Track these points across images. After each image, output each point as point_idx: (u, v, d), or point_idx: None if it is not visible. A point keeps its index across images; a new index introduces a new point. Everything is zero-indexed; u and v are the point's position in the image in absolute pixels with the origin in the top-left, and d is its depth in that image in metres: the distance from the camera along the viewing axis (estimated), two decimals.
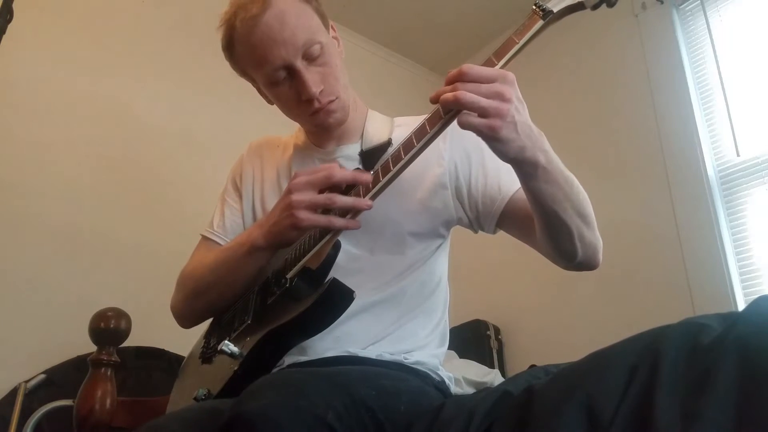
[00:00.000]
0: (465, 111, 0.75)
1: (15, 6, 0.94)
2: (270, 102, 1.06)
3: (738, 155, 2.12)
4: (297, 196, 0.86)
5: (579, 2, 0.81)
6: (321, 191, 0.88)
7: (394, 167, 0.84)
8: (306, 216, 0.85)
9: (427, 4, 2.88)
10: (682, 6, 2.39)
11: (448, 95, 0.74)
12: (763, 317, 0.47)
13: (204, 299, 1.04)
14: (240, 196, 1.14)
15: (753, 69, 2.14)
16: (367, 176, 0.87)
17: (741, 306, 1.99)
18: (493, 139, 0.75)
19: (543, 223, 0.88)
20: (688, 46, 2.36)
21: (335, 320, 0.85)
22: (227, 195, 1.15)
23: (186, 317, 1.08)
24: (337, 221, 0.86)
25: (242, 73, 1.03)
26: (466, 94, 0.72)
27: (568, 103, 2.68)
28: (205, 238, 1.12)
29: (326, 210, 0.87)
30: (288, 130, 1.20)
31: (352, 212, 0.87)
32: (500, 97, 0.73)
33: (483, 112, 0.73)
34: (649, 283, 2.21)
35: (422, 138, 0.82)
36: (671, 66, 2.35)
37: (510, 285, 2.69)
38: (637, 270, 2.24)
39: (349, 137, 1.07)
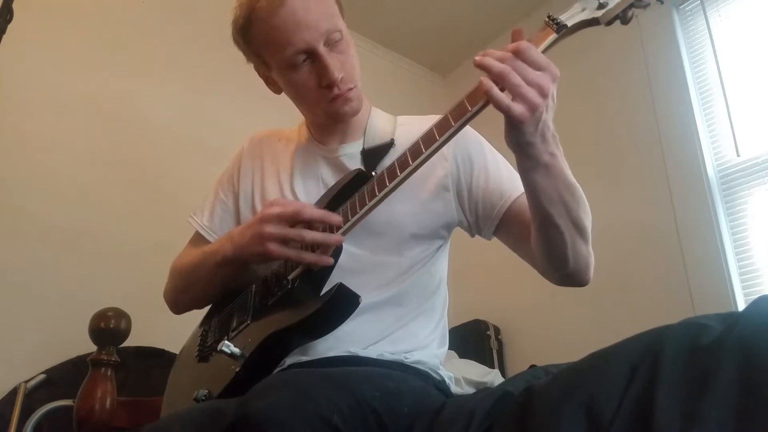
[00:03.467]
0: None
1: (15, 6, 0.94)
2: (277, 91, 1.06)
3: (738, 155, 2.12)
4: (269, 229, 0.87)
5: (594, 18, 0.80)
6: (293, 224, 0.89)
7: (401, 172, 0.84)
8: (275, 248, 0.87)
9: (427, 4, 2.88)
10: (682, 6, 2.39)
11: (496, 65, 0.73)
12: (763, 317, 0.47)
13: (188, 294, 1.09)
14: (234, 193, 1.14)
15: (753, 69, 2.14)
16: (337, 218, 0.87)
17: (741, 306, 1.99)
18: (513, 124, 0.76)
19: (537, 224, 0.88)
20: (688, 46, 2.36)
21: (340, 324, 0.85)
22: (221, 189, 1.15)
23: (175, 305, 1.13)
24: (307, 256, 0.87)
25: (255, 56, 1.02)
26: (514, 74, 0.72)
27: (567, 103, 2.66)
28: (197, 233, 1.14)
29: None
30: (289, 126, 1.19)
31: (323, 247, 0.88)
32: (540, 89, 0.73)
33: (520, 98, 0.73)
34: (649, 283, 2.21)
35: (431, 144, 0.82)
36: (671, 66, 2.35)
37: (510, 285, 2.69)
38: (637, 270, 2.24)
39: (352, 134, 1.07)
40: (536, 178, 0.81)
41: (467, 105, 0.79)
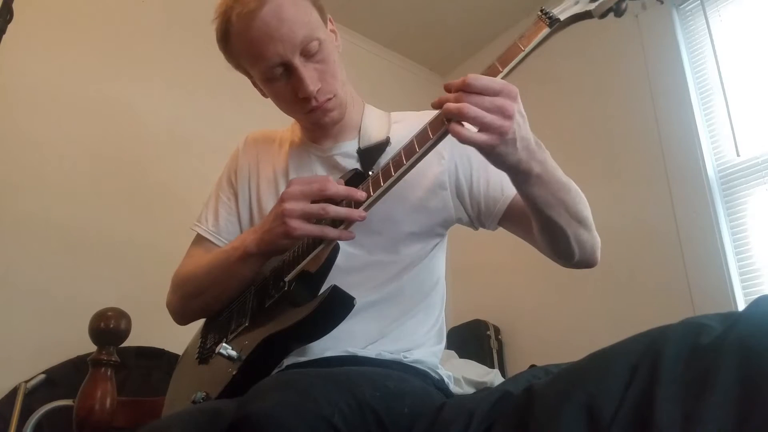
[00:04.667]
0: (465, 124, 0.75)
1: (15, 6, 0.94)
2: (265, 96, 1.05)
3: (738, 155, 2.12)
4: (290, 205, 0.86)
5: (587, 11, 0.79)
6: (315, 201, 0.87)
7: (395, 172, 0.84)
8: (298, 225, 0.85)
9: (427, 4, 2.88)
10: (682, 6, 2.39)
11: (452, 106, 0.73)
12: (764, 317, 0.47)
13: (200, 300, 1.04)
14: (235, 194, 1.12)
15: (753, 69, 2.14)
16: (361, 193, 0.86)
17: (741, 306, 1.99)
18: (486, 152, 0.76)
19: (539, 227, 0.89)
20: (688, 46, 2.36)
21: (335, 327, 0.84)
22: (221, 191, 1.14)
23: (182, 315, 1.08)
24: (330, 231, 0.86)
25: (237, 66, 1.02)
26: (471, 108, 0.72)
27: (567, 103, 2.67)
28: (200, 237, 1.12)
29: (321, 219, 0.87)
30: (285, 127, 1.19)
31: (346, 223, 0.86)
32: (502, 112, 0.73)
33: (484, 128, 0.73)
34: (649, 283, 2.21)
35: (424, 143, 0.81)
36: (671, 66, 2.35)
37: (510, 285, 2.69)
38: (637, 270, 2.24)
39: (346, 134, 1.06)
40: (532, 189, 0.82)
41: None
